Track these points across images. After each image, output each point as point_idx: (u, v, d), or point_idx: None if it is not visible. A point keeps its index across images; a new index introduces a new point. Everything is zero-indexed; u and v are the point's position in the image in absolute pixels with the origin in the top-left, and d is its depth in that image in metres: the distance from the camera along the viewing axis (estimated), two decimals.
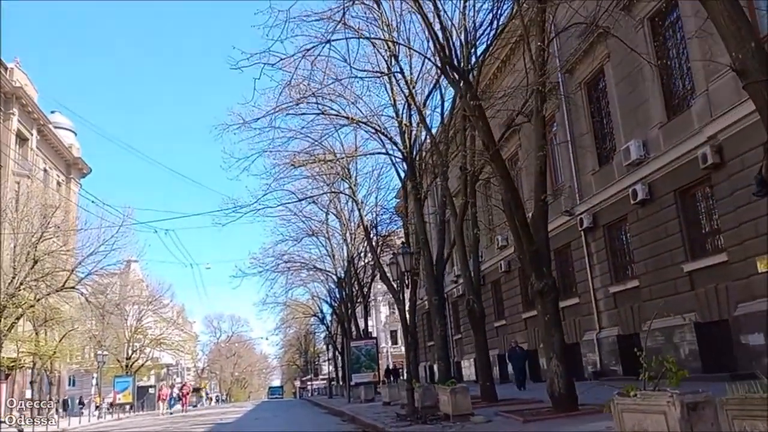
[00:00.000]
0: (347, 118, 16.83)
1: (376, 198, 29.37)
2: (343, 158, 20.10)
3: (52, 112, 44.38)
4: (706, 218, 15.60)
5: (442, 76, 17.01)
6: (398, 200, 36.58)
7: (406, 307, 21.18)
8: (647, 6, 16.87)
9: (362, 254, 34.63)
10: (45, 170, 40.68)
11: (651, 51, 16.93)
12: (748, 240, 13.37)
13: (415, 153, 17.05)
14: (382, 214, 29.95)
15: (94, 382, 41.69)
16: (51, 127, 41.70)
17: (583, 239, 20.75)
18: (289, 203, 24.79)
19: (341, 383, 39.16)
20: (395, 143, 16.95)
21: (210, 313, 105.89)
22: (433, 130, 17.43)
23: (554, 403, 9.63)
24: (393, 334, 75.51)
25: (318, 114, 16.53)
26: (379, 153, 18.42)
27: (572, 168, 21.35)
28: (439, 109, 17.93)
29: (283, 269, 33.83)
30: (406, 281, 12.70)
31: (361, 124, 17.16)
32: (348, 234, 30.80)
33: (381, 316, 73.85)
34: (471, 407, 10.08)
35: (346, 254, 32.35)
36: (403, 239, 38.19)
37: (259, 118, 16.32)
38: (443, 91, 17.70)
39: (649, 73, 16.97)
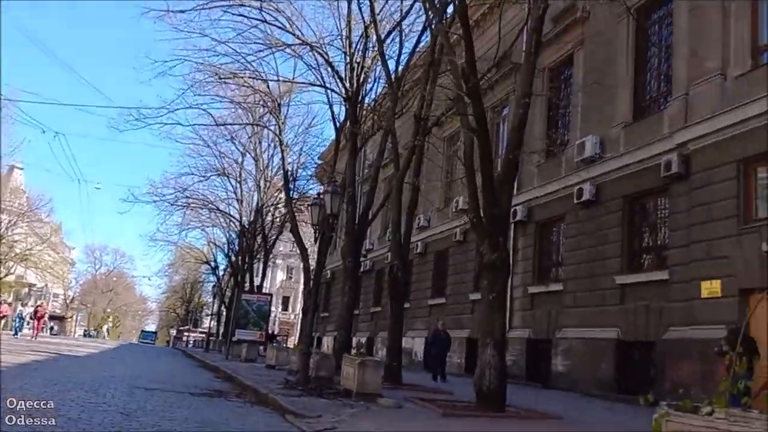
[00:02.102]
0: (293, 35, 14.49)
1: (301, 150, 27.01)
2: (277, 83, 17.68)
3: None
4: (652, 231, 14.57)
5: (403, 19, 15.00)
6: (321, 162, 34.38)
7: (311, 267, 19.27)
8: None
9: (272, 208, 32.17)
10: None
11: (631, 45, 15.75)
12: (696, 261, 12.39)
13: (361, 96, 14.96)
14: (303, 168, 27.65)
15: None
16: None
17: (511, 232, 19.46)
18: (204, 126, 22.08)
19: (221, 339, 36.55)
20: (341, 78, 14.78)
21: (93, 242, 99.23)
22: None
23: (480, 399, 7.98)
24: (285, 300, 73.39)
25: (259, 21, 14.13)
26: (319, 86, 16.21)
27: None
28: (394, 59, 15.85)
29: (182, 204, 30.76)
30: (323, 231, 10.64)
31: (307, 46, 14.82)
32: (263, 180, 28.25)
33: (276, 280, 71.42)
34: (380, 387, 8.27)
35: (256, 202, 29.74)
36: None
37: (186, 11, 13.67)
38: (403, 37, 15.59)
39: (623, 69, 15.75)
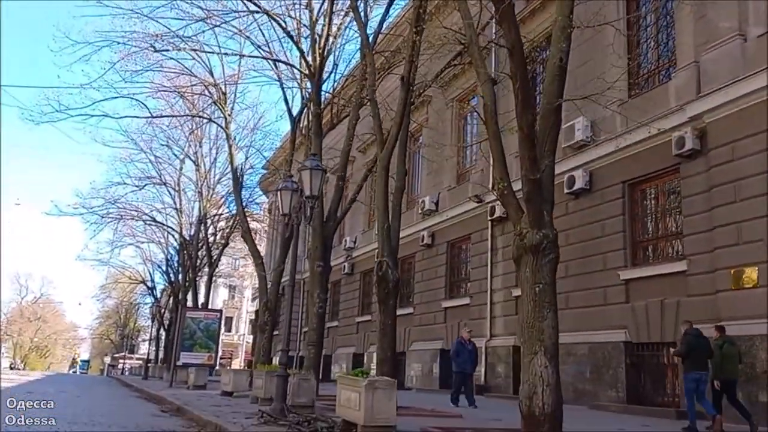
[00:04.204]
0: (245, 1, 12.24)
1: (248, 151, 24.49)
2: (222, 69, 15.28)
3: None
4: (660, 218, 12.99)
5: None
6: (267, 171, 31.99)
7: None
8: None
9: (214, 218, 29.44)
10: None
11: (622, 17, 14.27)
12: (723, 248, 10.81)
13: (325, 73, 12.85)
14: (251, 174, 25.14)
15: None
16: None
17: (489, 230, 17.72)
18: (137, 121, 19.42)
19: (161, 364, 33.21)
20: (302, 51, 12.65)
21: (17, 269, 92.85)
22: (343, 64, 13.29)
23: (531, 425, 5.94)
24: (228, 321, 69.86)
25: None
26: (276, 62, 13.96)
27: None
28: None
29: (114, 217, 27.58)
30: (300, 221, 8.42)
31: (262, 15, 12.61)
32: (206, 187, 25.54)
33: (218, 300, 67.82)
34: (396, 417, 6.12)
35: (198, 211, 26.87)
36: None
37: None
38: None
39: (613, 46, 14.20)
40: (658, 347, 12.26)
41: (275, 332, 32.40)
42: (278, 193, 8.56)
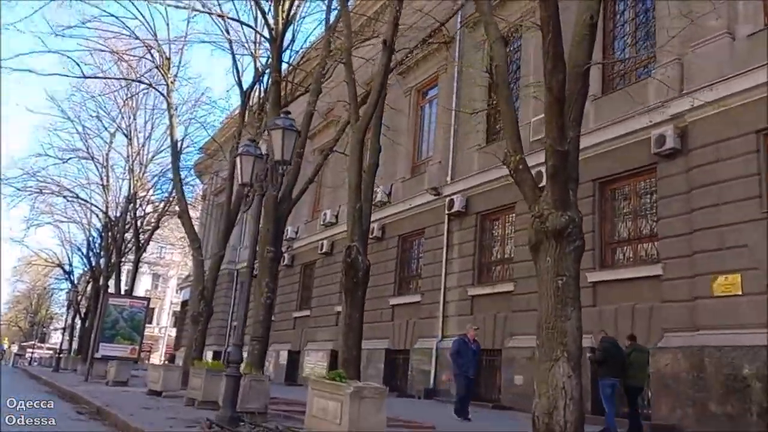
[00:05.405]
0: None
1: (187, 129, 22.65)
2: (167, 35, 13.58)
3: None
4: (633, 219, 12.42)
5: None
6: (202, 156, 30.24)
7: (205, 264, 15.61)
8: None
9: (143, 200, 27.32)
10: None
11: None
12: (703, 252, 10.29)
13: (288, 39, 11.57)
14: (189, 152, 23.31)
15: None
16: None
17: (445, 225, 16.84)
18: (67, 77, 17.35)
19: (77, 356, 30.60)
20: (263, 12, 11.31)
21: None
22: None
23: None
24: (149, 313, 66.50)
25: None
26: (232, 20, 12.51)
27: (451, 144, 17.37)
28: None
29: (33, 190, 24.99)
30: (264, 188, 7.14)
31: None
32: (138, 164, 23.45)
33: (140, 289, 64.46)
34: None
35: (127, 190, 24.66)
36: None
37: None
38: None
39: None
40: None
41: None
42: (238, 158, 7.28)
